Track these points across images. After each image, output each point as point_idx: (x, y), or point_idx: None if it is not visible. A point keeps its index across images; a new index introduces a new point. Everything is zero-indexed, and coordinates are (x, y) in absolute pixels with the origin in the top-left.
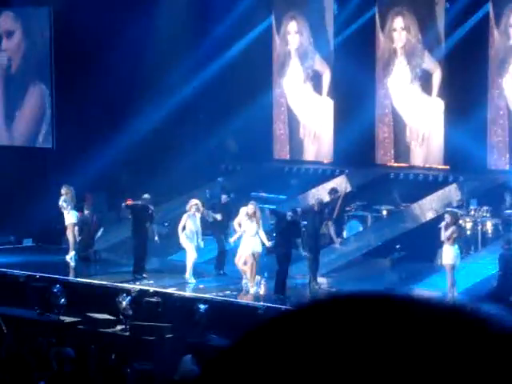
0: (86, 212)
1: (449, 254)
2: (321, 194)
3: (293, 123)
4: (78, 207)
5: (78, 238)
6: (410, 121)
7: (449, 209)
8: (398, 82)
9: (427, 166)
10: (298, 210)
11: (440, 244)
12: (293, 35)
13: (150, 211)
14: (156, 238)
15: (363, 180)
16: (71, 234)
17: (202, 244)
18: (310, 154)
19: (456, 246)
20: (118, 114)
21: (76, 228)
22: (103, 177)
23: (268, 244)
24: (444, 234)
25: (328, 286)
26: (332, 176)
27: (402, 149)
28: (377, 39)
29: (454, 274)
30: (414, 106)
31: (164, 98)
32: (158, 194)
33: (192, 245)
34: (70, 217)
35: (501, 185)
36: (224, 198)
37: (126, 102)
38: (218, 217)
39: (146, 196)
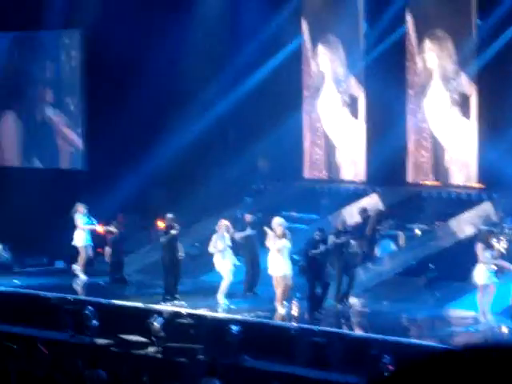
0: (116, 231)
1: (481, 274)
2: (353, 213)
3: (325, 143)
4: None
5: (108, 260)
6: (443, 139)
7: (483, 227)
8: (431, 101)
9: (461, 184)
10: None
11: (475, 263)
12: (323, 56)
13: (176, 231)
14: (181, 254)
15: (396, 199)
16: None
17: (236, 261)
18: (342, 173)
19: (489, 266)
20: (149, 135)
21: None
22: (135, 198)
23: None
24: (480, 254)
25: (360, 306)
26: (364, 195)
27: (435, 167)
28: (408, 59)
29: (487, 293)
30: (447, 125)
31: (195, 118)
32: (189, 215)
33: (225, 266)
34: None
35: None
36: (249, 217)
37: (157, 123)
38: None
39: (170, 216)
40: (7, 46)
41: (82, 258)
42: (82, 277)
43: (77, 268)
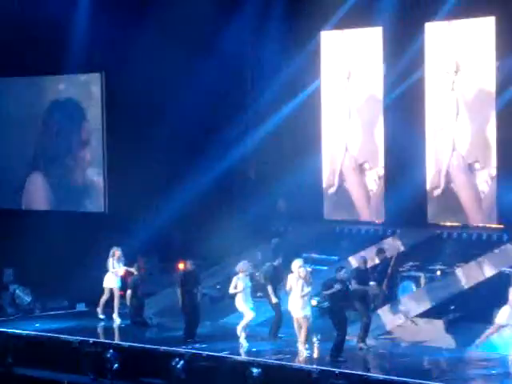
0: (136, 273)
1: (505, 314)
2: (373, 254)
3: (344, 183)
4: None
5: (128, 302)
6: (462, 180)
7: (504, 269)
8: (451, 142)
9: (481, 225)
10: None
11: (497, 304)
12: (341, 97)
13: (195, 276)
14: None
15: (416, 240)
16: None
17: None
18: (361, 214)
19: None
20: (169, 176)
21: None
22: (155, 240)
23: (314, 303)
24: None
25: (382, 348)
26: (384, 236)
27: (454, 208)
28: (427, 99)
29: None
30: (466, 165)
31: (215, 158)
32: (209, 257)
33: (247, 307)
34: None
35: None
36: (277, 261)
37: (177, 164)
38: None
39: (191, 262)
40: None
41: (103, 299)
42: (101, 316)
43: (115, 315)
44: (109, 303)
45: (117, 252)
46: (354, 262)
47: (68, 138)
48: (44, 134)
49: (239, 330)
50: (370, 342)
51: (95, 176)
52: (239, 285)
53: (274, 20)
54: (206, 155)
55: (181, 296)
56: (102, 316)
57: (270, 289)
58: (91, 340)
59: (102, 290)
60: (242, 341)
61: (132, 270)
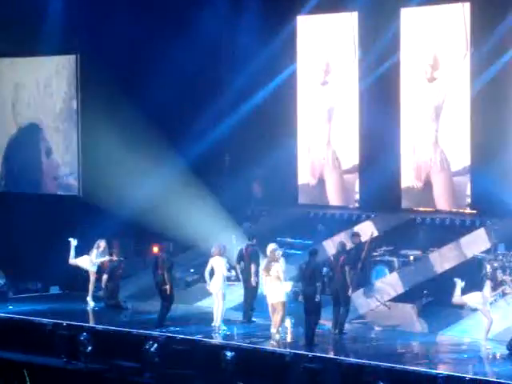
0: (114, 259)
1: (478, 299)
2: (347, 238)
3: (319, 168)
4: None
5: (103, 285)
6: (435, 165)
7: (477, 254)
8: (424, 128)
9: (454, 210)
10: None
11: (469, 289)
12: (317, 82)
13: (170, 260)
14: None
15: (389, 225)
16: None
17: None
18: (336, 199)
19: (485, 291)
20: (143, 160)
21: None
22: (130, 223)
23: (289, 288)
24: (486, 289)
25: (355, 332)
26: (358, 221)
27: (428, 193)
28: (402, 86)
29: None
30: (440, 151)
31: (190, 144)
32: (185, 240)
33: (220, 291)
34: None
35: None
36: (249, 244)
37: (151, 148)
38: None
39: (166, 243)
40: None
41: (92, 283)
42: (92, 304)
43: (89, 298)
44: (85, 286)
45: (102, 244)
46: (328, 246)
47: (40, 121)
48: (16, 115)
49: (218, 317)
50: (344, 326)
51: (69, 159)
52: (216, 268)
53: (249, 4)
54: (181, 139)
55: (169, 281)
56: (92, 303)
57: (253, 267)
58: (65, 323)
59: (76, 274)
60: (219, 325)
61: (112, 258)
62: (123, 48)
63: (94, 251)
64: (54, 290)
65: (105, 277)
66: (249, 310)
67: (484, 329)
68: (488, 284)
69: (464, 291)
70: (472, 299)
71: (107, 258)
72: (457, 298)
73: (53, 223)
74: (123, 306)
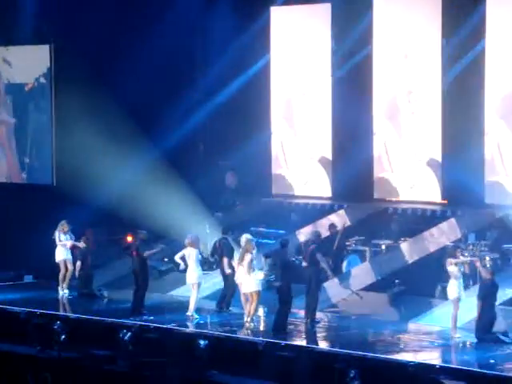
0: (83, 246)
1: (453, 288)
2: (320, 228)
3: (292, 159)
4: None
5: (76, 274)
6: (407, 156)
7: (448, 243)
8: (396, 119)
9: (425, 200)
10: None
11: (440, 278)
12: (290, 73)
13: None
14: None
15: (362, 215)
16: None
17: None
18: (308, 190)
19: (460, 280)
20: (118, 149)
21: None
22: (103, 212)
23: (261, 277)
24: (451, 269)
25: (327, 321)
26: (331, 211)
27: (399, 184)
28: (374, 77)
29: (458, 308)
30: (411, 142)
31: (164, 134)
32: (158, 230)
33: (195, 280)
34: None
35: (498, 219)
36: (222, 237)
37: (125, 138)
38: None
39: (143, 233)
40: None
41: (61, 274)
42: (61, 292)
43: (60, 287)
44: (58, 275)
45: (65, 226)
46: (301, 236)
47: (16, 110)
48: None
49: (191, 312)
50: (316, 315)
51: (45, 149)
52: (189, 259)
53: None
54: (156, 128)
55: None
56: (61, 292)
57: (225, 260)
58: (38, 311)
59: (50, 263)
60: (193, 314)
61: (79, 244)
62: (97, 37)
63: (57, 233)
64: (28, 278)
65: (78, 264)
66: (226, 299)
67: (452, 317)
68: (450, 263)
69: (436, 281)
70: (449, 291)
71: (72, 242)
72: (448, 262)
73: (26, 212)
74: (97, 294)
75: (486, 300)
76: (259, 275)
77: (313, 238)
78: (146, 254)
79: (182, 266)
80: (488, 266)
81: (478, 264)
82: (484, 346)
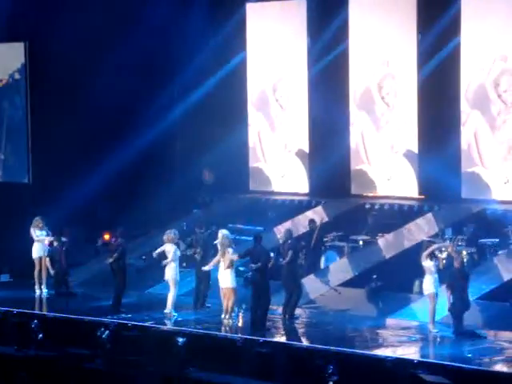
0: (56, 244)
1: (429, 283)
2: (299, 224)
3: (269, 155)
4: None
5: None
6: (384, 151)
7: (425, 238)
8: (373, 114)
9: (402, 196)
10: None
11: (417, 273)
12: (267, 69)
13: (124, 246)
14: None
15: (339, 211)
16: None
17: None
18: (286, 186)
19: (436, 276)
20: (94, 148)
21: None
22: (80, 211)
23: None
24: (425, 264)
25: (305, 317)
26: (308, 207)
27: (376, 179)
28: (351, 72)
29: (434, 302)
30: (387, 136)
31: (140, 131)
32: (135, 228)
33: (173, 278)
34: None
35: (475, 214)
36: (199, 231)
37: (102, 135)
38: (195, 252)
39: (119, 229)
40: None
41: (36, 271)
42: (38, 291)
43: (36, 286)
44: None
45: (39, 221)
46: (278, 232)
47: None
48: None
49: (168, 310)
50: (295, 311)
51: (20, 147)
52: (168, 255)
53: None
54: (132, 126)
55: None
56: (38, 291)
57: (198, 257)
58: (15, 310)
59: (27, 261)
60: (170, 311)
61: (54, 243)
62: (72, 35)
63: (32, 230)
64: (4, 277)
65: (47, 260)
66: (201, 296)
67: (429, 312)
68: (424, 258)
69: (413, 277)
70: (425, 286)
71: (49, 238)
72: (423, 257)
73: (1, 211)
74: (73, 292)
75: (454, 288)
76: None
77: (287, 235)
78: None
79: (165, 261)
80: (464, 260)
81: (450, 249)
82: (461, 340)
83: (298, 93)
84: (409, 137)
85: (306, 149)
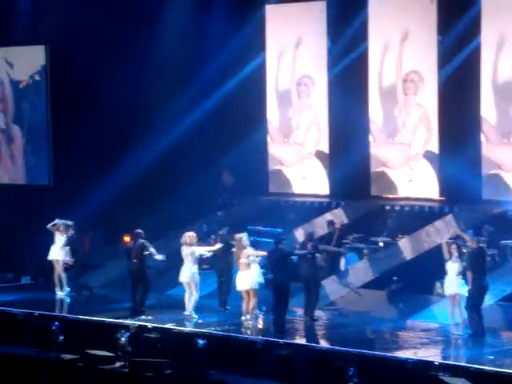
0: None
1: (453, 285)
2: (318, 226)
3: (289, 157)
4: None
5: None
6: (405, 153)
7: (446, 240)
8: (393, 116)
9: (423, 197)
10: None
11: (438, 275)
12: (286, 71)
13: (146, 248)
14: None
15: (359, 212)
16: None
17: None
18: (306, 187)
19: (460, 277)
20: (114, 150)
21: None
22: (100, 213)
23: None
24: (448, 265)
25: (325, 318)
26: (328, 209)
27: (397, 180)
28: (370, 74)
29: (460, 304)
30: (409, 139)
31: (160, 133)
32: (155, 229)
33: (191, 281)
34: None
35: (496, 215)
36: (221, 232)
37: (122, 137)
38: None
39: (139, 231)
40: None
41: (55, 273)
42: (59, 293)
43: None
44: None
45: (61, 226)
46: (299, 234)
47: (12, 112)
48: None
49: (190, 306)
50: (315, 312)
51: (41, 149)
52: (185, 257)
53: None
54: (152, 128)
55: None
56: (60, 293)
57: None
58: (36, 313)
59: (47, 263)
60: (191, 313)
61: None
62: (92, 37)
63: (56, 233)
64: (26, 280)
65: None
66: (224, 297)
67: (453, 314)
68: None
69: (433, 278)
70: (447, 287)
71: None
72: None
73: (23, 213)
74: (89, 286)
75: (476, 269)
76: (256, 272)
77: (308, 237)
78: (146, 253)
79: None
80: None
81: (465, 236)
82: (483, 341)
83: (317, 94)
84: (429, 138)
85: (326, 150)
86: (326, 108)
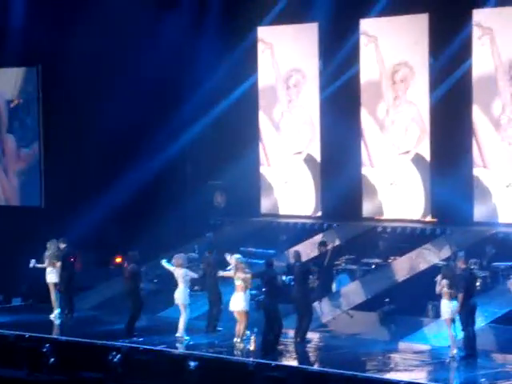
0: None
1: (446, 308)
2: (310, 247)
3: (280, 179)
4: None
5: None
6: (396, 174)
7: (440, 262)
8: (385, 137)
9: (414, 219)
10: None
11: (430, 297)
12: (278, 93)
13: (139, 270)
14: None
15: (351, 233)
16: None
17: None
18: (298, 209)
19: (453, 300)
20: (106, 171)
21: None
22: (91, 235)
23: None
24: (438, 288)
25: (317, 340)
26: (320, 230)
27: (388, 202)
28: (361, 95)
29: (454, 327)
30: (400, 160)
31: (152, 154)
32: (147, 251)
33: (183, 302)
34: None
35: (488, 237)
36: (207, 254)
37: (113, 158)
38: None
39: (133, 253)
40: None
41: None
42: (52, 315)
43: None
44: (48, 297)
45: (60, 244)
46: (290, 255)
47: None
48: None
49: (180, 334)
50: (307, 334)
51: (32, 171)
52: (178, 279)
53: (211, 15)
54: (143, 149)
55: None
56: (52, 315)
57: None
58: (27, 334)
59: (39, 285)
60: (182, 335)
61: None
62: (84, 59)
63: (46, 254)
64: (16, 301)
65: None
66: (213, 319)
67: (448, 336)
68: (444, 283)
69: (426, 300)
70: (443, 311)
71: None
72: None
73: (14, 234)
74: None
75: (467, 290)
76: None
77: (296, 257)
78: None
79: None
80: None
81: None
82: (475, 363)
83: (309, 116)
84: (421, 161)
85: (318, 173)
86: (318, 130)
